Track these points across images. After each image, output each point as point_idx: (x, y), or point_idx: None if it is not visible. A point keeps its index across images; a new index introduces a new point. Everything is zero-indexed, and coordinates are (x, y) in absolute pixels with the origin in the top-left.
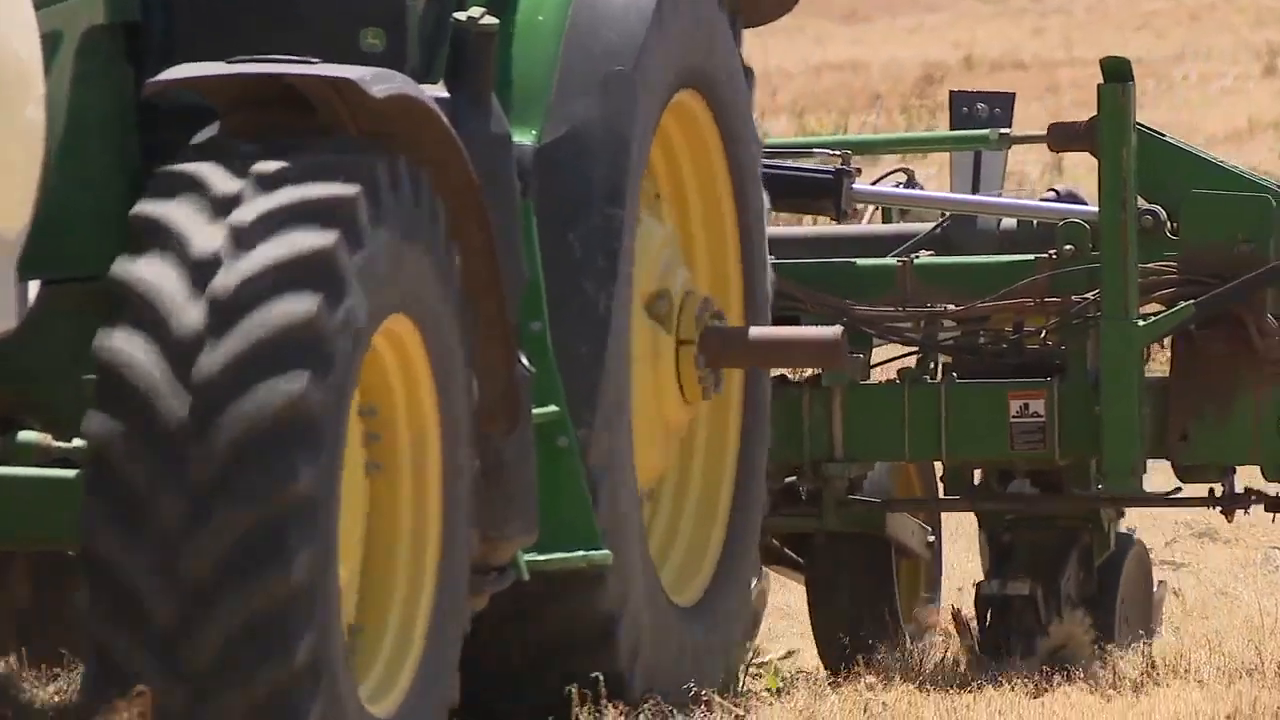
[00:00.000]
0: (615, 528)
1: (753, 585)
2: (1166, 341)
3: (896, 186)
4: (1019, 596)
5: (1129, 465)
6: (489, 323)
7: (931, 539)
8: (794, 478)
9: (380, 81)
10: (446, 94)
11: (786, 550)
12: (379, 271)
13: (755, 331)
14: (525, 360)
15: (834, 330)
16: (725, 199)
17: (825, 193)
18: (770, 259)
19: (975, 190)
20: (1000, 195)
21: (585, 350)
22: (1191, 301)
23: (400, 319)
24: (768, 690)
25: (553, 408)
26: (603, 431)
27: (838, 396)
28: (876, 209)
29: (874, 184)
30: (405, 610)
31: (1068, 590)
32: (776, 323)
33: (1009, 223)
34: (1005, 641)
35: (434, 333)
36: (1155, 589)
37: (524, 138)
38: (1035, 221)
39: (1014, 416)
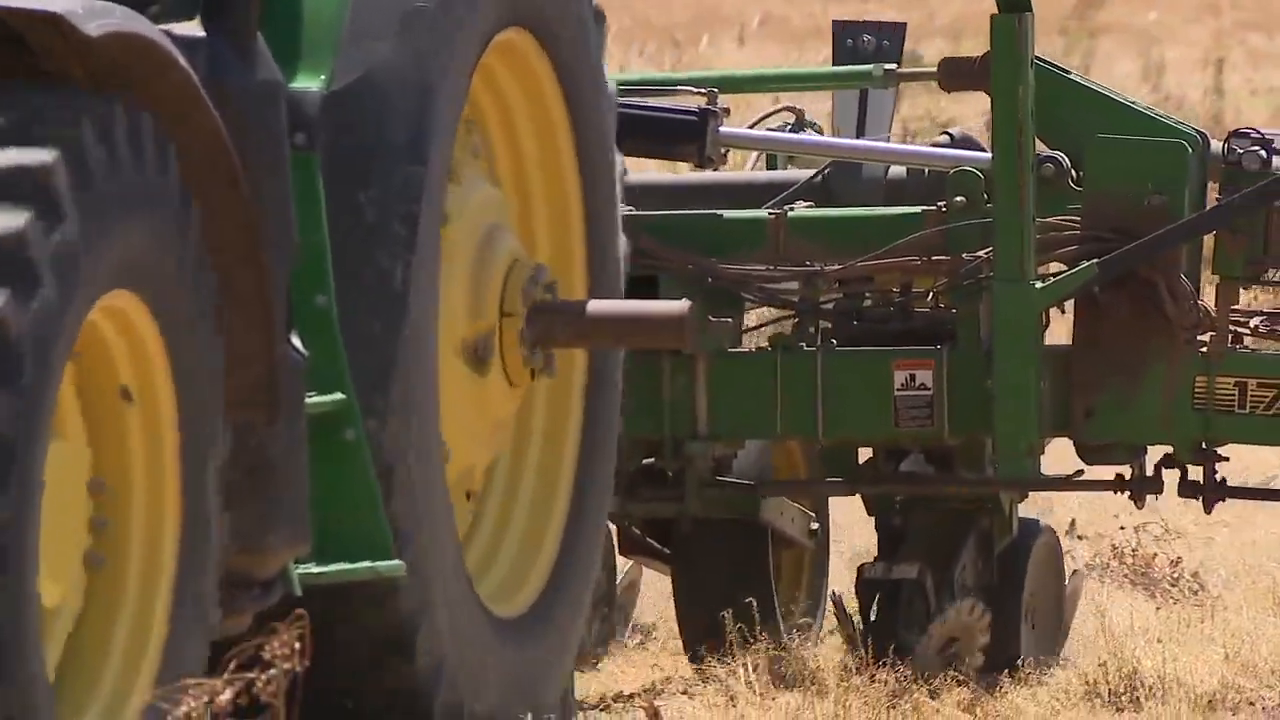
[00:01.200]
0: (416, 533)
1: (620, 575)
2: (1069, 306)
3: (783, 128)
4: (906, 581)
5: (1023, 445)
6: (245, 297)
7: (815, 525)
8: (654, 458)
9: (96, 17)
10: (203, 34)
11: (650, 539)
12: (87, 247)
13: (591, 307)
14: (298, 341)
15: (680, 306)
16: (567, 155)
17: (688, 136)
18: (627, 211)
19: (860, 134)
20: (889, 139)
21: (379, 329)
22: (1095, 261)
23: (122, 295)
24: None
25: (338, 396)
26: (398, 422)
27: (702, 366)
28: (761, 155)
29: (754, 125)
30: (134, 630)
31: (962, 579)
32: (633, 285)
33: (898, 171)
34: (891, 633)
35: (166, 309)
36: (1069, 581)
37: (310, 83)
38: (928, 170)
39: (899, 389)
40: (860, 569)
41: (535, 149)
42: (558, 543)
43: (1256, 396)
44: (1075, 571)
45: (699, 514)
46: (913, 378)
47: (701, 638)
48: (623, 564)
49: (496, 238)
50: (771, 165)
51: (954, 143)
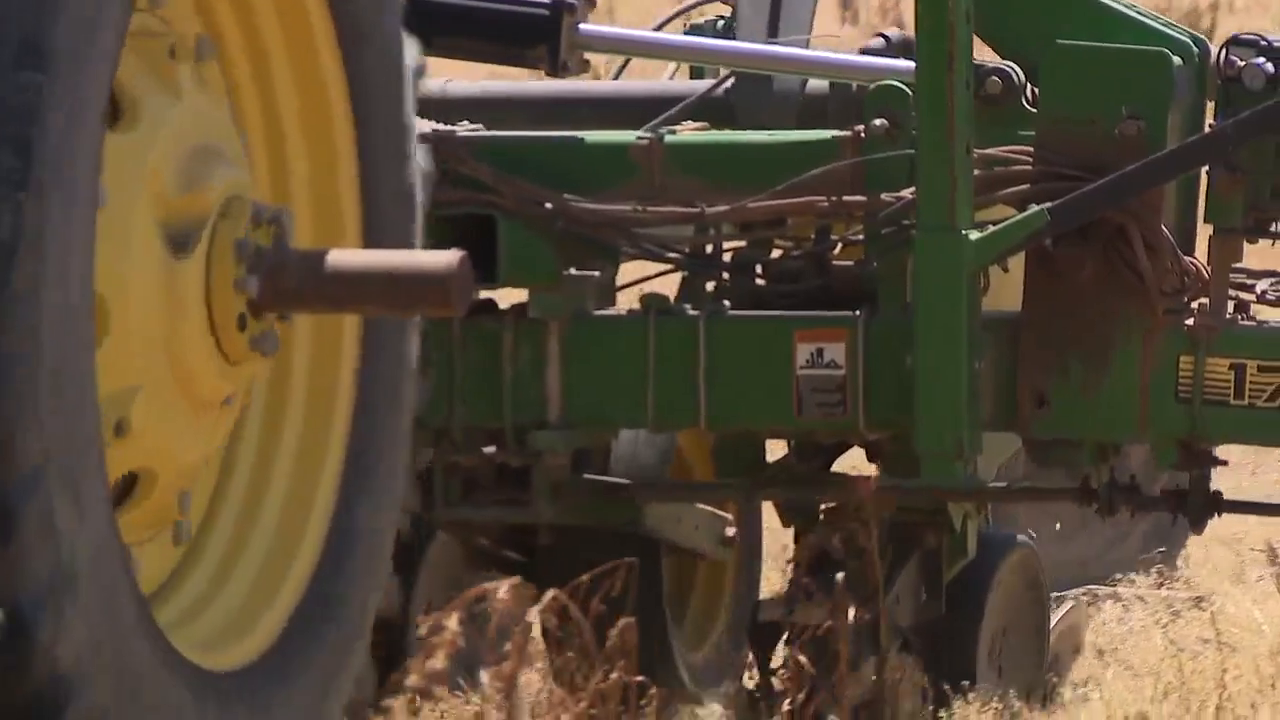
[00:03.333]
0: (53, 563)
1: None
2: (1017, 264)
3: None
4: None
5: (950, 442)
6: None
7: (732, 531)
8: (495, 450)
9: None
10: None
11: (507, 552)
12: None
13: (332, 260)
14: None
15: (448, 259)
16: (328, 54)
17: (536, 35)
18: (451, 129)
19: (772, 36)
20: (807, 45)
21: None
22: (1049, 205)
23: None
24: None
25: None
26: (27, 417)
27: (554, 334)
28: (680, 66)
29: (658, 27)
30: None
31: (896, 618)
32: (463, 227)
33: (819, 84)
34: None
35: None
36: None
37: None
38: (855, 84)
39: (802, 367)
40: (755, 608)
41: (281, 45)
42: (311, 568)
43: (1258, 384)
44: (1073, 603)
45: (554, 521)
46: (819, 353)
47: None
48: None
49: (205, 168)
50: (696, 75)
51: (889, 48)
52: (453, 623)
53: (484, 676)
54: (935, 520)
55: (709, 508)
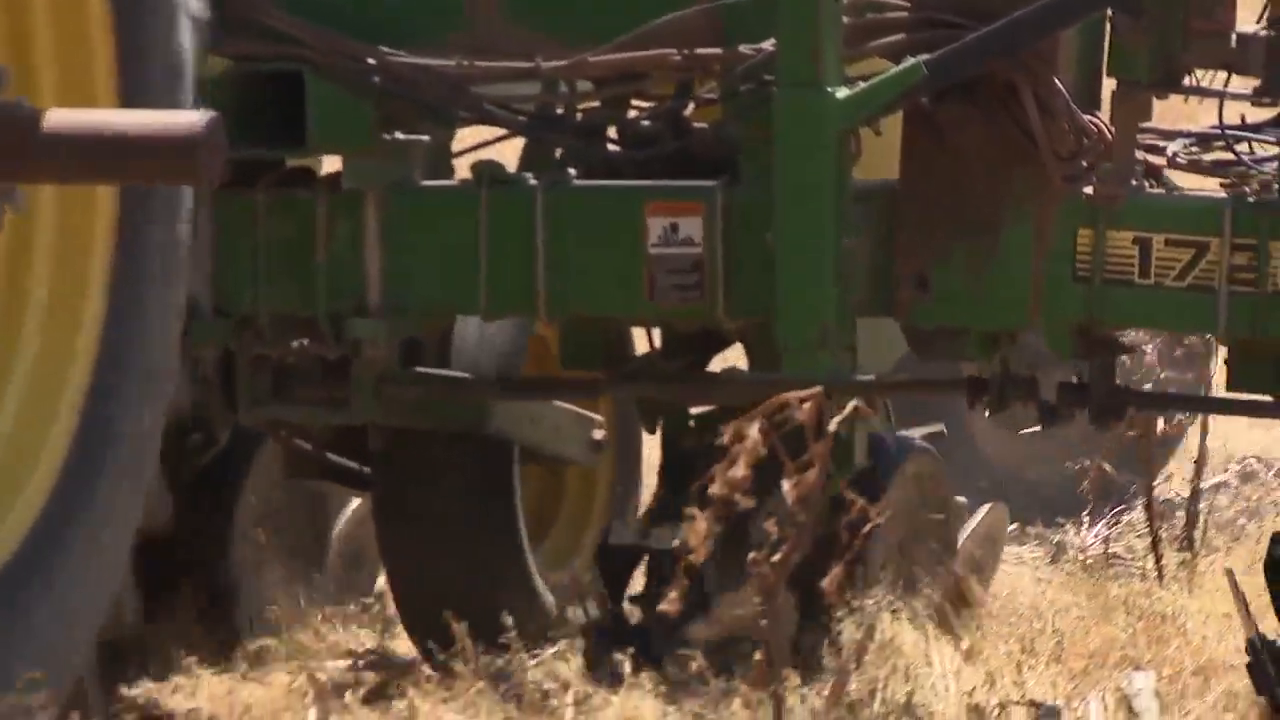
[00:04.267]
0: None
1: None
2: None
3: None
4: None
5: (813, 330)
6: None
7: (601, 435)
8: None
9: None
10: None
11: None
12: None
13: (52, 119)
14: None
15: (192, 120)
16: None
17: None
18: None
19: None
20: None
21: None
22: (927, 57)
23: None
24: None
25: None
26: None
27: (372, 208)
28: None
29: None
30: None
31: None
32: (268, 86)
33: None
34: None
35: None
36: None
37: None
38: None
39: (654, 245)
40: (604, 532)
41: None
42: (56, 472)
43: (1165, 260)
44: (991, 505)
45: (380, 422)
46: (673, 229)
47: (418, 615)
48: None
49: None
50: None
51: None
52: (754, 431)
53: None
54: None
55: (574, 408)
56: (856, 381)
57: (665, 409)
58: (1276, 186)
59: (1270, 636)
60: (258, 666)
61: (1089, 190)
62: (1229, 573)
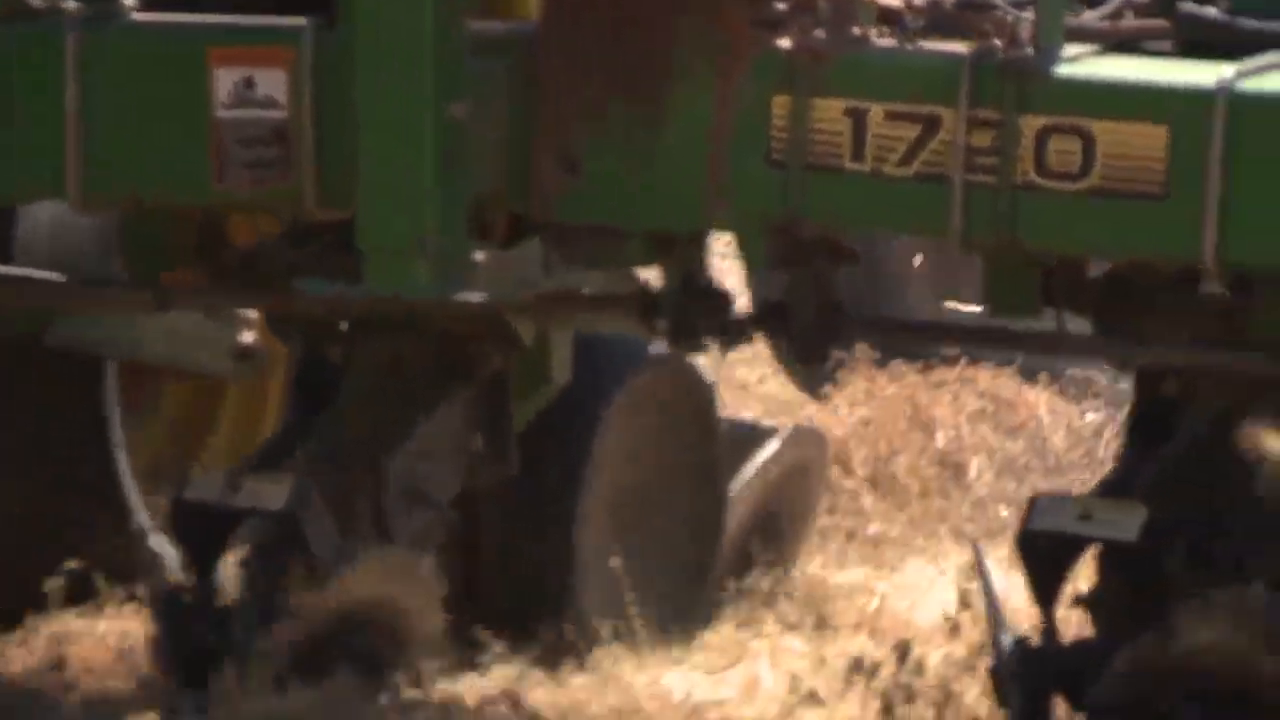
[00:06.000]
0: None
1: None
2: None
3: None
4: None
5: (404, 234)
6: None
7: (251, 339)
8: None
9: None
10: None
11: None
12: None
13: None
14: None
15: None
16: None
17: None
18: None
19: None
20: None
21: None
22: None
23: None
24: None
25: None
26: None
27: None
28: None
29: None
30: None
31: (417, 481)
32: None
33: None
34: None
35: None
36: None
37: None
38: None
39: (223, 106)
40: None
41: None
42: None
43: (885, 139)
44: (793, 430)
45: None
46: (248, 85)
47: None
48: None
49: None
50: None
51: None
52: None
53: None
54: (495, 333)
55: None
56: (470, 303)
57: (303, 317)
58: (1029, 40)
59: (1022, 635)
60: None
61: (786, 43)
62: (975, 548)
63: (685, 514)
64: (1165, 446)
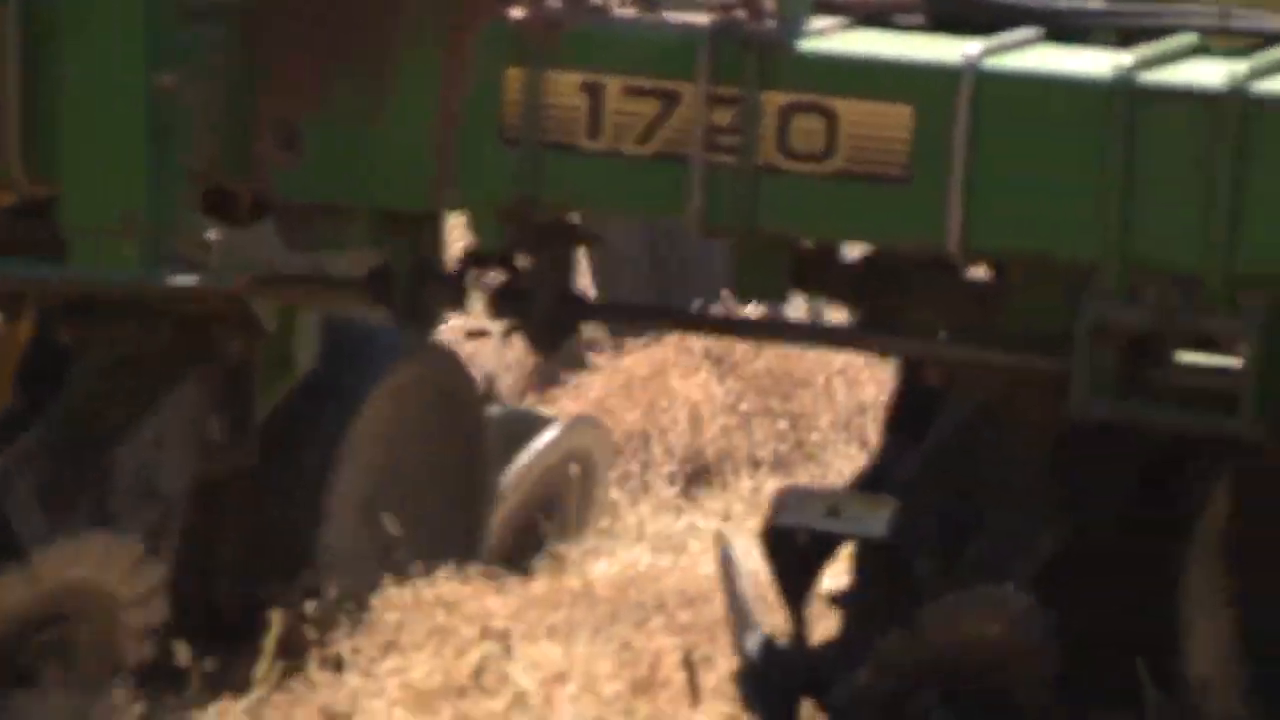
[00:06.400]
0: None
1: None
2: None
3: None
4: None
5: (109, 212)
6: None
7: None
8: None
9: None
10: None
11: None
12: None
13: None
14: None
15: None
16: None
17: None
18: None
19: None
20: None
21: None
22: None
23: None
24: None
25: None
26: None
27: None
28: None
29: None
30: None
31: (145, 469)
32: None
33: None
34: None
35: None
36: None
37: None
38: None
39: None
40: None
41: None
42: None
43: (624, 116)
44: (574, 421)
45: None
46: None
47: None
48: None
49: None
50: None
51: None
52: None
53: None
54: (233, 317)
55: None
56: (204, 286)
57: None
58: (771, 12)
59: (768, 635)
60: None
61: (517, 13)
62: (719, 537)
63: (448, 505)
64: (925, 438)
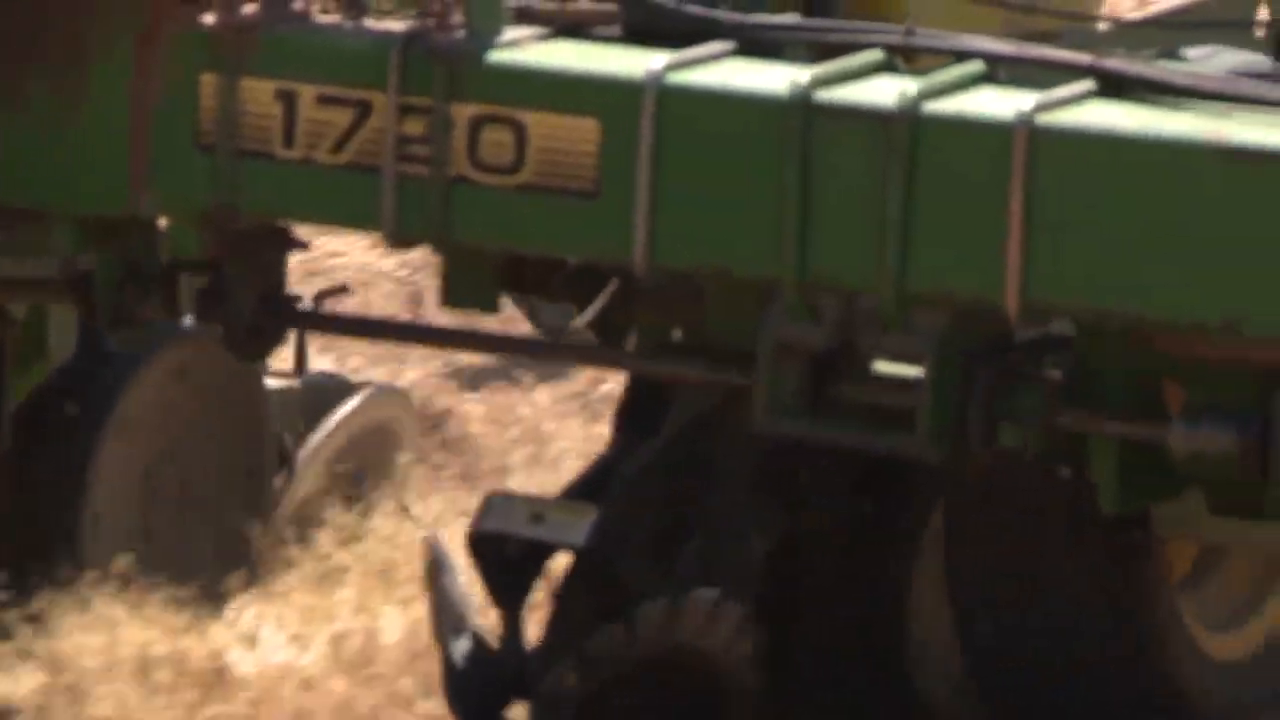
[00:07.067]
0: None
1: None
2: None
3: None
4: None
5: None
6: None
7: None
8: None
9: None
10: None
11: None
12: None
13: None
14: None
15: None
16: None
17: None
18: None
19: None
20: None
21: None
22: None
23: None
24: None
25: None
26: None
27: None
28: None
29: None
30: None
31: None
32: None
33: None
34: None
35: None
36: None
37: None
38: None
39: None
40: None
41: None
42: None
43: (317, 125)
44: (374, 391)
45: None
46: None
47: None
48: None
49: None
50: None
51: None
52: None
53: None
54: None
55: None
56: None
57: None
58: (460, 23)
59: (479, 638)
60: None
61: (210, 19)
62: (431, 547)
63: (228, 478)
64: (646, 443)
